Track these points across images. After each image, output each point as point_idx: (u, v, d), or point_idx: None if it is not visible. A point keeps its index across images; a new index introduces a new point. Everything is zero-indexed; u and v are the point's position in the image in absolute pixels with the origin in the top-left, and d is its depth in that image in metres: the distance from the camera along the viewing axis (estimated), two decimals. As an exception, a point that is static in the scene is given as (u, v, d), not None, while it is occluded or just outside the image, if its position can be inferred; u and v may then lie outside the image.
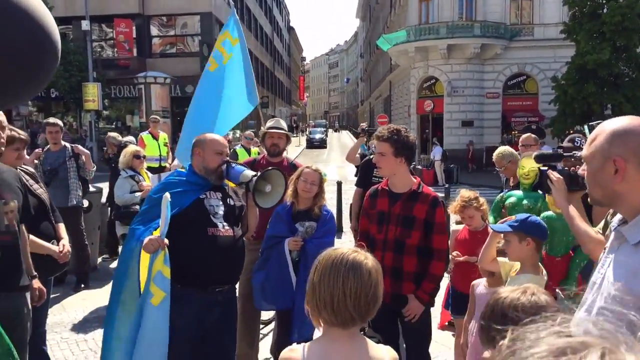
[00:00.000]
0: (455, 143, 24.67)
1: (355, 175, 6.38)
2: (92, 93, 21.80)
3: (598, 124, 2.30)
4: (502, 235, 2.93)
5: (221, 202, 2.99)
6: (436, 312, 4.38)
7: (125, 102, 27.25)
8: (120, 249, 7.42)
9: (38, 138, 16.36)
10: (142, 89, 21.96)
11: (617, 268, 1.51)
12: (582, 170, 1.90)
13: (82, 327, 5.15)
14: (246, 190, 2.99)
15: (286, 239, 3.51)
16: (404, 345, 3.44)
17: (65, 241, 3.44)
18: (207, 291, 2.86)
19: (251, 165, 4.00)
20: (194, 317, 2.83)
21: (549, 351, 0.62)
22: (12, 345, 2.57)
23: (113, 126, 26.76)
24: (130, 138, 8.07)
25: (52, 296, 3.90)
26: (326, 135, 48.42)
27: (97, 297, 5.95)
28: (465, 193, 3.98)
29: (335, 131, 75.67)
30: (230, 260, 2.93)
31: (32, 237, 3.14)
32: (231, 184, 3.16)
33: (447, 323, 5.01)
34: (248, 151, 8.85)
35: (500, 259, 3.03)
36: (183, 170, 3.31)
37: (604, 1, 18.91)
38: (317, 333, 3.77)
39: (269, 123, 4.38)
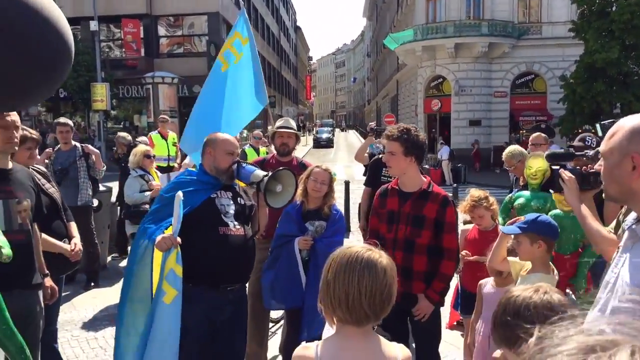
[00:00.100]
0: (462, 142, 24.58)
1: (364, 175, 6.39)
2: (101, 93, 21.90)
3: (611, 122, 2.29)
4: (512, 235, 2.92)
5: (232, 202, 3.01)
6: (445, 312, 4.38)
7: (133, 102, 27.38)
8: (129, 248, 7.49)
9: (47, 138, 16.46)
10: (150, 89, 22.04)
11: (633, 269, 1.51)
12: (598, 165, 1.90)
13: (92, 325, 5.19)
14: (257, 190, 3.00)
15: (296, 238, 3.52)
16: (414, 344, 3.44)
17: (76, 240, 3.47)
18: (218, 290, 2.88)
19: (261, 164, 4.02)
20: (205, 316, 2.84)
21: (579, 349, 0.62)
22: (24, 343, 2.60)
23: (121, 126, 26.90)
24: (143, 138, 8.12)
25: (62, 294, 3.93)
26: (333, 135, 48.43)
27: (107, 296, 5.99)
28: (475, 192, 3.97)
29: (342, 130, 75.67)
30: (241, 259, 2.94)
31: (44, 235, 3.17)
32: (241, 184, 3.17)
33: (455, 323, 5.01)
34: (257, 151, 8.87)
35: (510, 258, 3.02)
36: (194, 169, 3.32)
37: (613, -1, 18.80)
38: (326, 332, 3.78)
39: (279, 122, 4.40)
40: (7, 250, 2.51)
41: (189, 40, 28.17)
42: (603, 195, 1.70)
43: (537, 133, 5.51)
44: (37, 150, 3.81)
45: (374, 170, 5.26)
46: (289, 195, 3.08)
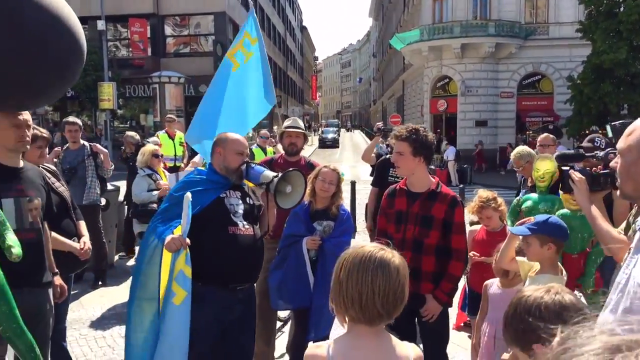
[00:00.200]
0: (469, 143, 24.54)
1: (371, 175, 6.38)
2: (108, 92, 22.01)
3: (622, 123, 2.28)
4: (520, 236, 2.91)
5: (241, 201, 3.01)
6: (451, 312, 4.38)
7: (139, 102, 27.48)
8: (137, 248, 7.53)
9: (54, 137, 16.55)
10: (157, 88, 22.13)
11: None
12: (614, 162, 1.89)
13: (100, 324, 5.21)
14: (266, 190, 3.01)
15: (304, 238, 3.52)
16: (421, 345, 3.44)
17: (86, 238, 3.48)
18: (227, 289, 2.89)
19: (268, 164, 4.03)
20: (214, 315, 2.85)
21: (604, 348, 0.63)
22: (34, 341, 2.61)
23: (127, 125, 27.01)
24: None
25: (71, 293, 3.95)
26: (338, 135, 48.41)
27: (115, 294, 6.02)
28: (483, 193, 3.96)
29: (348, 131, 75.64)
30: (250, 258, 2.95)
31: (54, 234, 3.18)
32: (250, 184, 3.18)
33: (462, 324, 5.00)
34: (264, 150, 8.88)
35: (519, 258, 3.01)
36: (204, 168, 3.33)
37: (621, 0, 18.70)
38: (334, 332, 3.78)
39: (287, 122, 4.41)
40: (17, 250, 2.53)
41: (196, 40, 28.26)
42: (618, 193, 1.70)
43: (545, 134, 5.47)
44: (47, 149, 3.83)
45: (381, 171, 5.26)
46: (298, 196, 3.08)
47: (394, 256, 1.58)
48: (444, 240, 3.16)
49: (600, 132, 14.00)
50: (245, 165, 3.02)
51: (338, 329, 4.08)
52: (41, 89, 2.55)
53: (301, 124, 4.46)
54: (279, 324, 4.80)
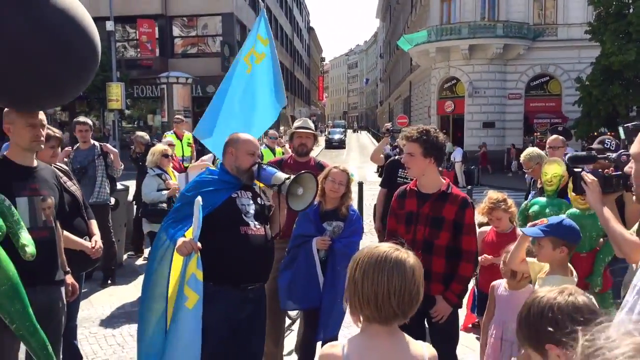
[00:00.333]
0: (476, 144, 24.46)
1: (380, 176, 6.39)
2: (116, 93, 22.13)
3: (635, 125, 2.28)
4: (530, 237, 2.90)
5: (252, 202, 3.03)
6: (460, 313, 4.37)
7: (147, 102, 27.61)
8: (146, 248, 7.56)
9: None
10: (164, 88, 22.19)
11: None
12: (628, 167, 1.89)
13: (109, 322, 5.25)
14: (278, 192, 3.02)
15: (314, 238, 3.53)
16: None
17: (97, 237, 3.50)
18: (239, 288, 2.90)
19: (278, 164, 4.04)
20: (225, 315, 2.86)
21: (635, 350, 0.63)
22: (47, 339, 2.64)
23: (135, 125, 27.13)
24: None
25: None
26: (345, 136, 48.39)
27: (124, 293, 6.05)
28: (493, 195, 3.96)
29: (354, 132, 75.57)
30: (262, 258, 2.96)
31: (65, 232, 3.21)
32: (260, 184, 3.19)
33: (470, 325, 4.99)
34: (272, 151, 8.90)
35: (529, 259, 3.01)
36: (214, 167, 3.35)
37: (630, 1, 18.59)
38: (342, 333, 3.78)
39: (297, 123, 4.42)
40: (31, 249, 2.56)
41: (203, 41, 28.37)
42: (634, 198, 1.69)
43: (555, 136, 5.39)
44: (59, 149, 3.87)
45: (390, 172, 5.26)
46: (309, 198, 3.09)
47: (409, 256, 1.59)
48: (454, 241, 3.15)
49: (609, 134, 13.94)
50: (256, 166, 3.03)
51: (346, 330, 4.09)
52: (63, 89, 2.58)
53: (311, 124, 4.47)
54: (287, 321, 4.80)
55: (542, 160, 4.78)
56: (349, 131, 70.20)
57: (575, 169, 2.60)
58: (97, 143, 6.33)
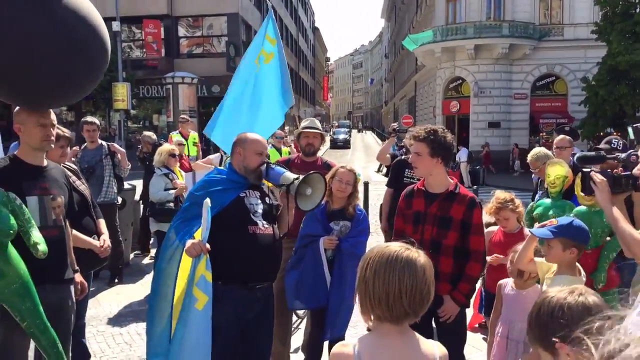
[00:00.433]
0: (481, 145, 24.40)
1: (385, 175, 6.38)
2: (122, 93, 22.22)
3: (645, 125, 2.27)
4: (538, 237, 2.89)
5: (260, 201, 3.04)
6: (467, 313, 4.37)
7: (152, 102, 27.70)
8: (151, 247, 7.60)
9: (69, 136, 16.70)
10: (170, 89, 22.27)
11: None
12: (637, 169, 1.89)
13: (117, 321, 5.27)
14: (286, 192, 3.03)
15: (321, 238, 3.54)
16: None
17: (105, 236, 3.52)
18: (247, 288, 2.91)
19: (286, 164, 4.05)
20: (234, 314, 2.87)
21: None
22: (57, 337, 2.66)
23: (140, 125, 27.22)
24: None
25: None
26: (350, 136, 48.37)
27: (131, 292, 6.08)
28: (500, 195, 3.95)
29: (359, 132, 75.55)
30: (270, 257, 2.97)
31: (74, 231, 3.23)
32: (268, 184, 3.20)
33: (477, 325, 4.99)
34: (279, 150, 8.91)
35: (537, 259, 3.00)
36: (223, 167, 3.36)
37: (637, 1, 18.50)
38: (349, 332, 3.77)
39: (304, 123, 4.43)
40: (43, 247, 2.58)
41: (209, 41, 28.44)
42: None
43: (562, 136, 5.33)
44: (68, 149, 3.89)
45: (397, 172, 5.26)
46: (318, 199, 3.09)
47: (420, 255, 1.59)
48: (462, 241, 3.15)
49: (615, 134, 13.88)
50: (264, 165, 3.04)
51: (352, 329, 4.10)
52: (76, 88, 2.60)
53: (318, 124, 4.48)
54: (295, 319, 4.81)
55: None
56: (354, 131, 70.19)
57: (584, 169, 2.59)
58: (104, 143, 6.37)
